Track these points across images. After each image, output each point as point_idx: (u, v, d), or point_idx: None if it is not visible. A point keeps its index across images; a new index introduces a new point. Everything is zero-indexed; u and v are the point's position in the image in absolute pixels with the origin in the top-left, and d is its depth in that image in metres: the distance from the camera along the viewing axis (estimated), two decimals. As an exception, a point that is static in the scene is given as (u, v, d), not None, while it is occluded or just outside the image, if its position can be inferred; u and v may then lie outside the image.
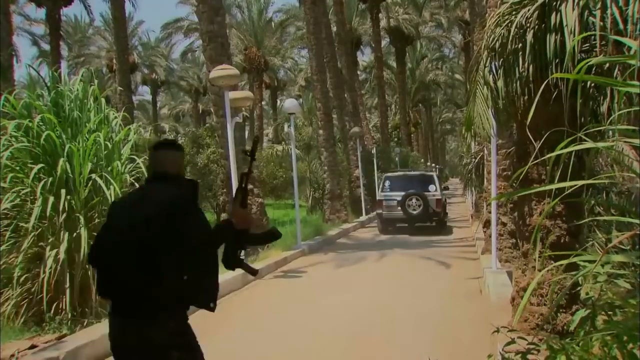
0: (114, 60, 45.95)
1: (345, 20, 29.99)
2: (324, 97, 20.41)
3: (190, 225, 3.07)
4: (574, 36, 4.97)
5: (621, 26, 4.80)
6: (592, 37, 5.28)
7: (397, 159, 36.06)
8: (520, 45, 5.20)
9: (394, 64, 49.42)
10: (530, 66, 5.12)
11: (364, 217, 22.12)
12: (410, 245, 14.55)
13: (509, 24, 5.23)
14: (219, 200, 22.78)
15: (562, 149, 3.85)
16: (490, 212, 11.35)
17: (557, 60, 5.13)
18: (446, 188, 25.17)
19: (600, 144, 3.54)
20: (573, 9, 4.87)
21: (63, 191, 8.07)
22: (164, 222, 3.04)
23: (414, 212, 18.18)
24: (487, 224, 11.83)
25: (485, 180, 12.41)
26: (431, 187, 18.98)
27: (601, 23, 4.96)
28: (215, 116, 11.98)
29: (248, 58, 39.63)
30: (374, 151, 25.67)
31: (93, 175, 8.30)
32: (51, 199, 7.97)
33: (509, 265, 11.04)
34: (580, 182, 3.48)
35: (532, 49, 5.13)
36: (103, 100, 9.22)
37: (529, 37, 5.08)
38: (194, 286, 3.22)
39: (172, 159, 3.31)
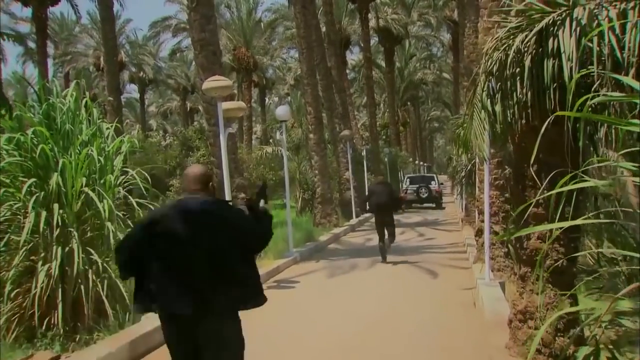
0: (102, 59, 45.83)
1: (335, 20, 29.95)
2: (314, 101, 20.38)
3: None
4: (572, 62, 4.99)
5: (618, 54, 4.83)
6: (590, 62, 5.31)
7: (386, 159, 36.16)
8: (518, 69, 5.22)
9: (383, 63, 49.48)
10: (529, 92, 5.14)
11: (354, 220, 22.13)
12: (402, 251, 14.55)
13: (507, 48, 5.24)
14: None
15: (562, 185, 3.87)
16: (482, 222, 11.40)
17: (554, 85, 5.15)
18: (441, 183, 36.00)
19: (600, 182, 3.55)
20: (570, 35, 4.89)
21: (56, 205, 8.01)
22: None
23: (424, 196, 31.35)
24: (479, 232, 11.87)
25: (477, 189, 12.45)
26: (433, 183, 32.83)
27: (598, 48, 4.98)
28: (207, 124, 11.91)
29: (237, 58, 39.49)
30: (364, 153, 25.67)
31: (86, 189, 8.23)
32: (43, 213, 7.91)
33: (501, 274, 11.11)
34: (579, 221, 3.50)
35: (530, 73, 5.15)
36: (95, 111, 9.14)
37: (527, 62, 5.10)
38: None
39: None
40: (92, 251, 8.18)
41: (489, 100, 5.25)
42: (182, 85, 64.22)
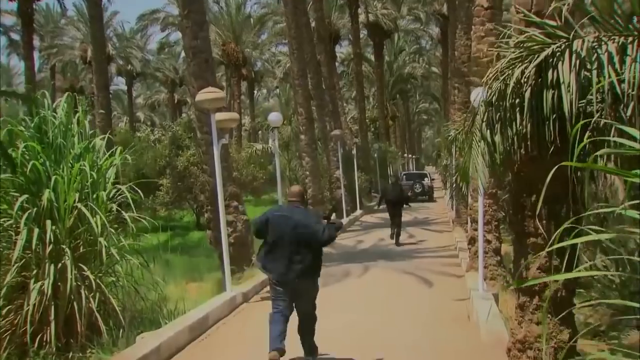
0: (89, 52, 45.37)
1: (324, 15, 29.82)
2: (305, 102, 20.29)
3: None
4: (571, 94, 4.98)
5: (618, 89, 4.82)
6: (589, 90, 5.30)
7: (375, 155, 36.19)
8: (518, 100, 5.20)
9: (372, 57, 49.39)
10: (528, 124, 5.13)
11: (345, 220, 22.10)
12: (393, 256, 14.57)
13: (507, 79, 5.22)
14: (198, 203, 22.67)
15: (562, 217, 3.86)
16: (475, 230, 11.43)
17: (554, 116, 5.14)
18: (432, 179, 39.70)
19: (604, 235, 3.54)
20: (570, 70, 4.87)
21: (48, 222, 7.94)
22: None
23: (418, 191, 34.99)
24: (472, 241, 11.90)
25: (469, 196, 12.47)
26: (426, 179, 37.01)
27: (597, 79, 4.97)
28: (199, 132, 11.81)
29: (226, 53, 39.23)
30: (354, 151, 25.66)
31: (78, 205, 8.16)
32: (36, 230, 7.84)
33: (494, 282, 11.15)
34: (583, 274, 3.50)
35: (529, 104, 5.13)
36: (87, 123, 9.05)
37: (527, 94, 5.09)
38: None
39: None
40: (85, 267, 8.12)
41: (488, 130, 5.23)
42: (170, 78, 63.80)
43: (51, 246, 7.92)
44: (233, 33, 40.16)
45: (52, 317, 7.78)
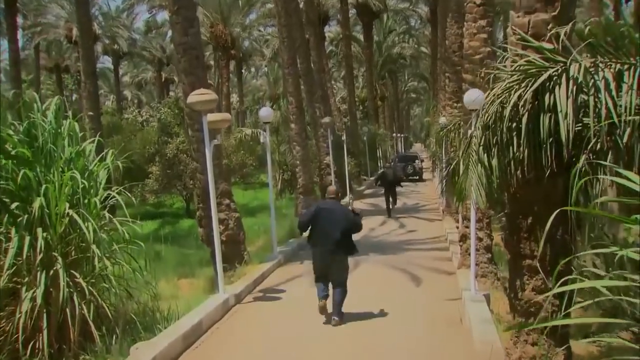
0: (74, 32, 44.75)
1: (313, -2, 29.53)
2: (296, 91, 20.13)
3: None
4: (568, 120, 4.97)
5: (614, 116, 4.81)
6: (586, 113, 5.29)
7: (365, 137, 36.16)
8: (515, 124, 5.19)
9: (361, 37, 49.05)
10: (525, 149, 5.12)
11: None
12: (384, 249, 14.60)
13: (504, 101, 5.20)
14: (188, 190, 22.61)
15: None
16: (466, 227, 11.48)
17: (551, 139, 5.14)
18: (422, 160, 42.80)
19: (600, 282, 3.54)
20: (567, 97, 4.86)
21: (40, 230, 7.87)
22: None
23: (409, 172, 38.19)
24: (463, 238, 11.95)
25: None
26: (416, 161, 40.29)
27: (594, 103, 4.97)
28: (190, 129, 11.71)
29: (214, 36, 38.76)
30: (344, 137, 25.59)
31: (70, 211, 8.09)
32: (27, 238, 7.78)
33: (485, 280, 11.23)
34: (582, 320, 3.52)
35: (526, 128, 5.13)
36: (77, 126, 8.93)
37: (524, 119, 5.08)
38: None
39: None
40: (76, 274, 8.08)
41: (485, 154, 5.22)
42: (157, 57, 63.16)
43: (42, 254, 7.87)
44: (221, 14, 39.65)
45: (45, 324, 7.77)
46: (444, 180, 15.83)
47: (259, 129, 28.56)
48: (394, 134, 67.88)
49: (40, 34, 55.35)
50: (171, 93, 66.62)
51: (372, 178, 37.81)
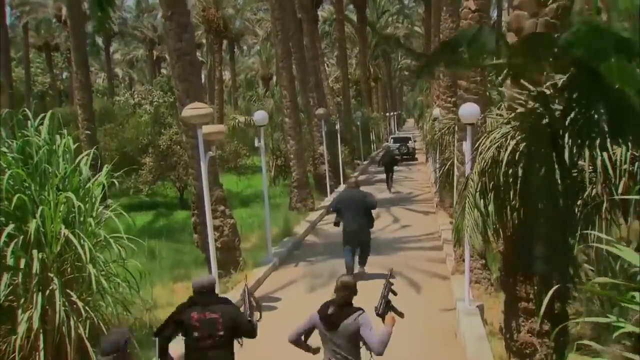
0: (63, 11, 44.15)
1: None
2: (290, 84, 20.03)
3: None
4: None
5: (610, 170, 4.84)
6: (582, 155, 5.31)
7: (358, 122, 36.08)
8: (511, 170, 5.21)
9: (354, 17, 48.61)
10: (520, 195, 5.16)
11: (329, 199, 22.13)
12: (379, 248, 14.56)
13: (500, 147, 5.22)
14: (182, 181, 22.59)
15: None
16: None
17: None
18: (415, 140, 46.09)
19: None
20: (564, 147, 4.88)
21: (35, 252, 7.88)
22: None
23: (403, 152, 40.39)
24: (457, 243, 11.99)
25: (455, 193, 12.56)
26: (410, 142, 43.25)
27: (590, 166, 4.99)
28: (185, 135, 11.66)
29: (206, 19, 38.33)
30: (337, 127, 25.53)
31: (66, 231, 8.09)
32: (23, 260, 7.80)
33: (479, 286, 11.32)
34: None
35: (523, 176, 5.15)
36: (71, 143, 8.88)
37: (519, 168, 5.10)
38: None
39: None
40: (72, 294, 8.11)
41: (482, 200, 5.25)
42: (148, 36, 62.56)
43: (38, 275, 7.88)
44: (213, -2, 39.21)
45: (42, 344, 7.82)
46: (439, 180, 16.10)
47: (251, 116, 28.46)
48: (387, 113, 67.76)
49: (29, 13, 54.78)
50: (163, 71, 66.16)
51: (365, 162, 37.94)
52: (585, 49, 4.27)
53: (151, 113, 26.18)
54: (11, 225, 7.87)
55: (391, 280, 5.78)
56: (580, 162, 5.26)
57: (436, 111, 20.82)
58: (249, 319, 5.87)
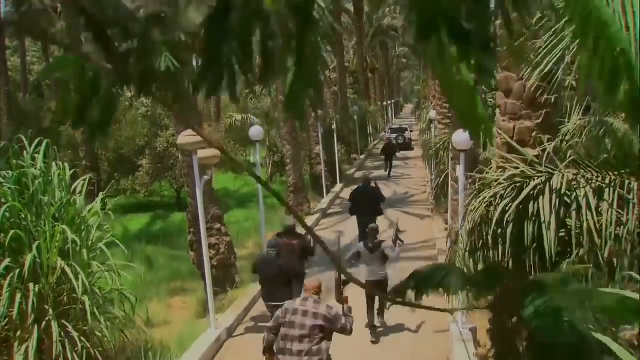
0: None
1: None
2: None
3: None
4: (550, 231, 5.08)
5: (595, 234, 4.91)
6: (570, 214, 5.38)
7: (355, 117, 36.02)
8: (500, 230, 5.28)
9: (351, 8, 48.33)
10: (509, 254, 5.23)
11: (325, 201, 22.14)
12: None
13: (489, 206, 5.29)
14: (179, 183, 22.62)
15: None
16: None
17: (535, 245, 5.24)
18: (411, 130, 47.43)
19: None
20: (550, 212, 4.95)
21: (31, 285, 7.98)
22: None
23: (400, 142, 41.51)
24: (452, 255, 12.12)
25: (450, 204, 12.72)
26: (406, 133, 44.68)
27: (578, 224, 5.06)
28: (181, 154, 11.72)
29: (203, 14, 38.10)
30: (334, 126, 25.54)
31: (62, 263, 8.18)
32: (18, 295, 7.89)
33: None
34: None
35: (511, 235, 5.22)
36: (68, 174, 8.93)
37: (509, 228, 5.17)
38: None
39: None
40: (68, 324, 8.21)
41: (471, 260, 5.33)
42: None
43: (34, 308, 7.98)
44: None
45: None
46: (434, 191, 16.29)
47: (249, 114, 28.44)
48: (385, 102, 67.61)
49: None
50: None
51: (362, 157, 37.78)
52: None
53: (148, 106, 26.10)
54: (7, 260, 7.98)
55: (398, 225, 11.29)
56: (568, 221, 5.33)
57: (432, 113, 20.86)
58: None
